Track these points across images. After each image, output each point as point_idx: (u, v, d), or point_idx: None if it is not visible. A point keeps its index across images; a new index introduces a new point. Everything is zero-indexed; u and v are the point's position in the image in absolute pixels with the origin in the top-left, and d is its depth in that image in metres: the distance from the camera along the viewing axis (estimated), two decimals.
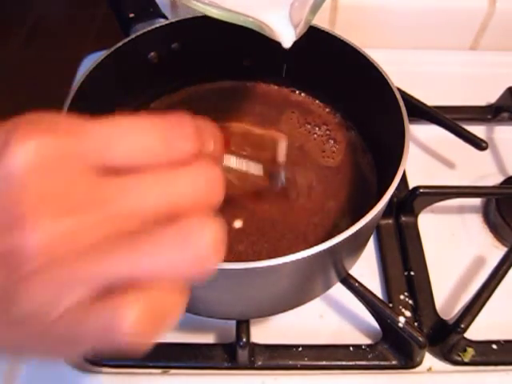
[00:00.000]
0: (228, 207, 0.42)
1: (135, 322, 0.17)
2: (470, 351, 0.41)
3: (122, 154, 0.19)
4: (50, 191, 0.17)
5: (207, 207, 0.20)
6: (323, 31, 0.45)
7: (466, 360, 0.41)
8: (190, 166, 0.20)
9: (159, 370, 0.41)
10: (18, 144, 0.17)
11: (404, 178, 0.53)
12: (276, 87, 0.53)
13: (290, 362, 0.40)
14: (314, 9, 0.34)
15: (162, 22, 0.47)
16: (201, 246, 0.18)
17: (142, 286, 0.18)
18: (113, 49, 0.43)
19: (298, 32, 0.34)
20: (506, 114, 0.59)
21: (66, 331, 0.18)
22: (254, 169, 0.35)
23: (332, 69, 0.48)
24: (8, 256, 0.17)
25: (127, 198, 0.18)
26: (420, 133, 0.58)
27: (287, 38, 0.34)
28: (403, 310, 0.44)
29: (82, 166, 0.18)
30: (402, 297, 0.45)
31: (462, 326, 0.39)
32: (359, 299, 0.41)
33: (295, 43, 0.46)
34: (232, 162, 0.32)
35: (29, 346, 0.20)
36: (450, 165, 0.56)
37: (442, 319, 0.43)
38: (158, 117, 0.20)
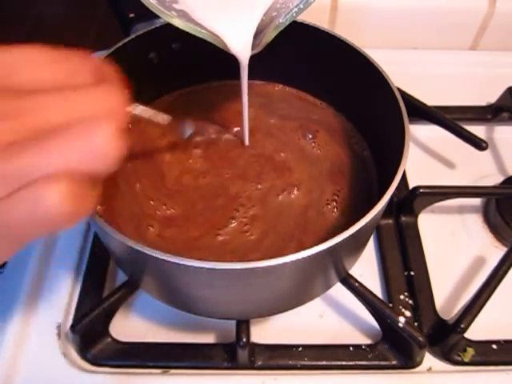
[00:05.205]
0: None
1: (58, 195, 0.20)
2: (470, 351, 0.41)
3: (27, 80, 0.22)
4: None
5: (111, 121, 0.22)
6: (323, 31, 0.45)
7: (466, 360, 0.41)
8: (92, 88, 0.23)
9: (159, 370, 0.41)
10: None
11: (404, 178, 0.53)
12: (276, 87, 0.53)
13: (290, 362, 0.41)
14: (275, 30, 0.35)
15: (162, 22, 0.47)
16: (100, 140, 0.21)
17: (53, 177, 0.21)
18: (113, 49, 0.43)
19: (254, 51, 0.37)
20: (506, 114, 0.59)
21: None
22: (161, 118, 0.35)
23: (332, 69, 0.47)
24: None
25: (41, 108, 0.21)
26: (420, 133, 0.58)
27: (243, 55, 0.37)
28: (403, 310, 0.44)
29: None
30: (402, 297, 0.45)
31: (462, 325, 0.39)
32: (359, 299, 0.41)
33: (295, 43, 0.47)
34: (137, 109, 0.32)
35: None
36: (450, 165, 0.56)
37: (442, 319, 0.43)
38: (60, 51, 0.24)
